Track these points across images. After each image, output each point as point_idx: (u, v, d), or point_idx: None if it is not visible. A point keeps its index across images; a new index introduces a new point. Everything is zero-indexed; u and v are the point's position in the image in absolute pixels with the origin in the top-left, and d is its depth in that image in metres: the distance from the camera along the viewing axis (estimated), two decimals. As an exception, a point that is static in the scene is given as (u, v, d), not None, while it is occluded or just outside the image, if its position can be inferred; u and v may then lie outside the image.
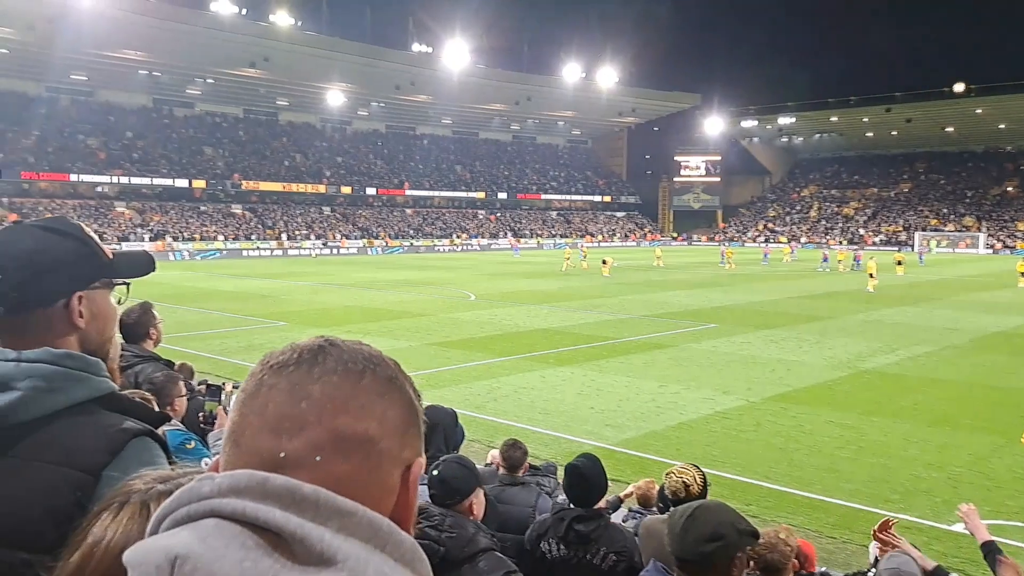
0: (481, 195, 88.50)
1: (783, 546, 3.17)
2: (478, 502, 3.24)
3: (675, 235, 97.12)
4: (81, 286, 1.50)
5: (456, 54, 74.52)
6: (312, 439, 0.70)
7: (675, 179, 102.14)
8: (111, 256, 1.55)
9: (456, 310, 25.14)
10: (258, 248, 61.94)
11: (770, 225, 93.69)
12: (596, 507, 3.86)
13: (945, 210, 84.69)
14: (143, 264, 1.61)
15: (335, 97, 78.22)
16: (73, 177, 61.34)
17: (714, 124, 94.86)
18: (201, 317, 22.45)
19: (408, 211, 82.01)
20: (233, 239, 63.17)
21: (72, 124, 66.02)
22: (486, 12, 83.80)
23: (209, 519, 0.64)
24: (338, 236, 69.61)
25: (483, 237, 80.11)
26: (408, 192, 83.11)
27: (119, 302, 1.64)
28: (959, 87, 76.25)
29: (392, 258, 61.10)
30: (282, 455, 0.70)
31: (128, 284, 1.64)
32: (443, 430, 4.36)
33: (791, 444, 10.57)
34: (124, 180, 63.93)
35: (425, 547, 2.90)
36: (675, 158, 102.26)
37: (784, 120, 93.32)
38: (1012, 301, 28.74)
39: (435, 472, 3.19)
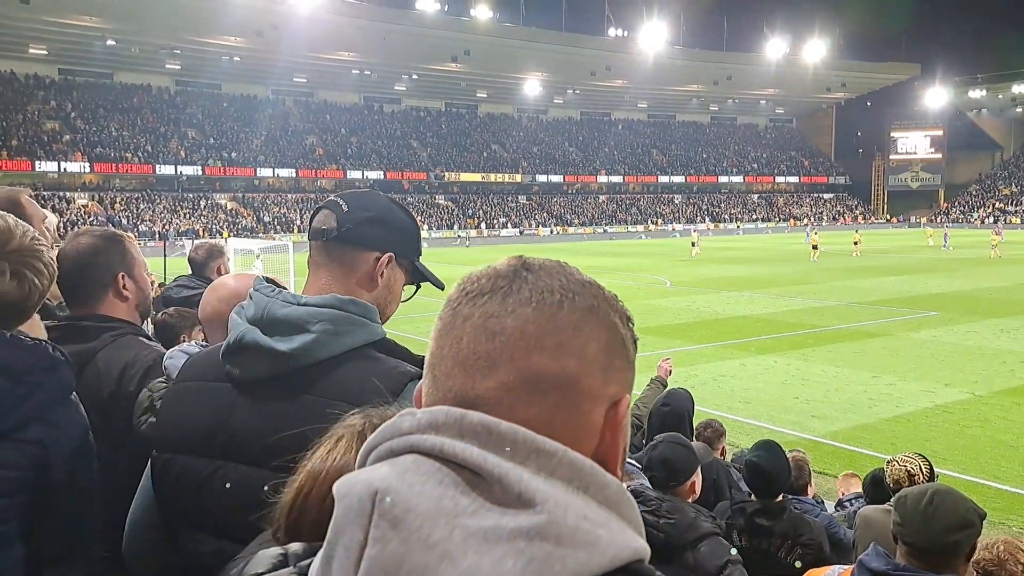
0: (678, 179, 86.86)
1: (1013, 564, 2.79)
2: (698, 482, 3.21)
3: (889, 217, 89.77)
4: (396, 250, 1.66)
5: (652, 36, 73.73)
6: (504, 380, 0.67)
7: (890, 157, 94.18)
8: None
9: (651, 296, 25.07)
10: (459, 236, 64.94)
11: (1001, 205, 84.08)
12: (778, 500, 3.72)
13: None
14: (439, 283, 1.73)
15: (532, 87, 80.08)
16: (295, 172, 67.59)
17: (936, 96, 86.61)
18: (411, 301, 24.03)
19: (602, 197, 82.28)
20: (437, 228, 66.73)
21: (295, 123, 72.81)
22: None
23: (409, 455, 0.63)
24: (533, 224, 71.35)
25: (679, 222, 78.73)
26: (602, 179, 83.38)
27: (403, 300, 1.77)
28: None
29: (585, 244, 61.68)
30: (474, 395, 0.67)
31: (419, 287, 1.79)
32: (690, 417, 4.39)
33: (1025, 442, 9.71)
34: (340, 175, 69.52)
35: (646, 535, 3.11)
36: (890, 134, 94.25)
37: (1019, 88, 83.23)
38: None
39: (655, 452, 3.17)
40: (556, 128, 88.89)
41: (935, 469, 4.42)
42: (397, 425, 0.66)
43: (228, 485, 1.45)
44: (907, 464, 4.19)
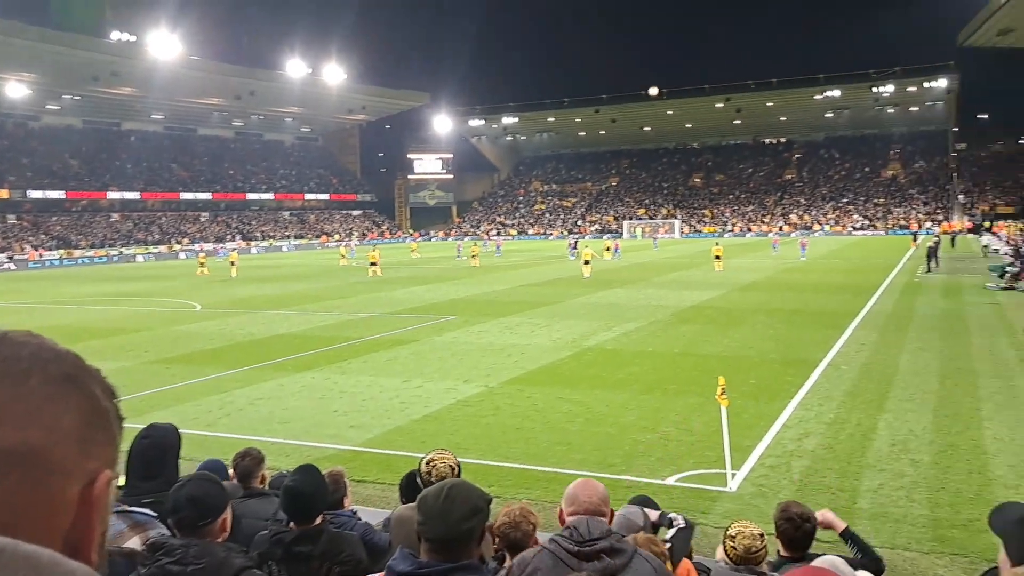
0: (204, 196, 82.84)
1: (526, 524, 3.31)
2: (228, 519, 3.06)
3: (412, 231, 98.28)
4: None
5: (164, 44, 68.52)
6: None
7: (410, 176, 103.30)
8: None
9: (180, 322, 23.30)
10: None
11: (500, 219, 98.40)
12: (317, 523, 3.71)
13: (647, 201, 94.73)
14: None
15: (16, 89, 68.45)
16: None
17: (443, 123, 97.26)
18: None
19: (115, 216, 74.39)
20: None
21: None
22: (196, 1, 78.09)
23: None
24: (27, 247, 61.14)
25: (207, 241, 75.05)
26: (113, 195, 75.44)
27: None
28: (653, 91, 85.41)
29: (98, 269, 55.01)
30: None
31: None
32: (175, 451, 3.98)
33: (527, 423, 11.19)
34: None
35: None
36: (408, 156, 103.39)
37: (507, 120, 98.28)
38: (704, 279, 32.87)
39: (183, 492, 2.92)
40: (52, 137, 77.38)
41: (462, 459, 4.69)
42: None
43: None
44: (436, 461, 4.40)
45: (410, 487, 5.35)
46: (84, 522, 0.64)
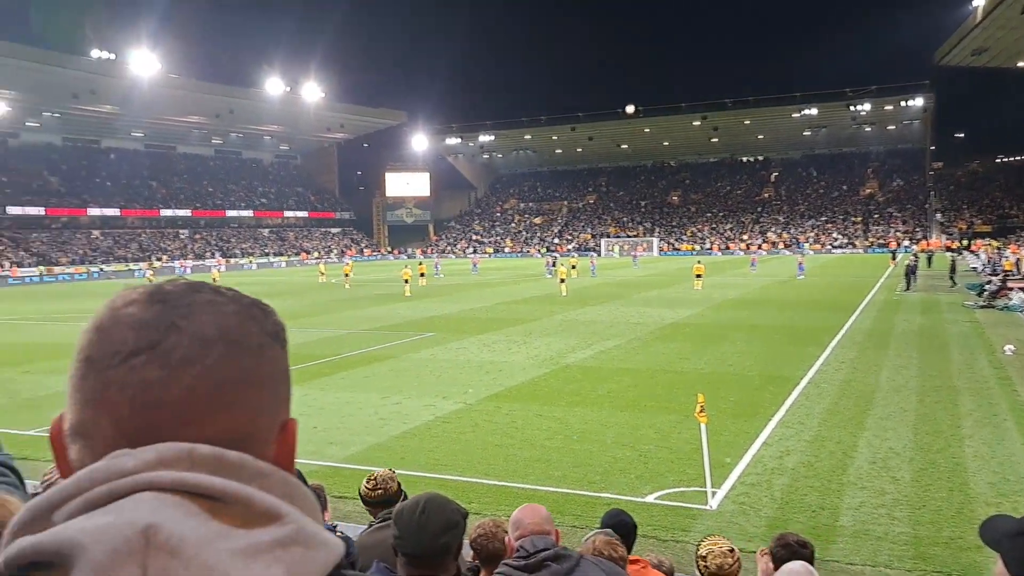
0: (183, 213, 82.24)
1: (502, 533, 3.28)
2: None
3: (391, 249, 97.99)
4: None
5: (144, 62, 68.13)
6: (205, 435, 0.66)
7: (387, 195, 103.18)
8: None
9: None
10: None
11: (477, 237, 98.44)
12: None
13: (625, 218, 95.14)
14: None
15: (-5, 106, 67.80)
16: None
17: (420, 141, 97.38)
18: None
19: (95, 233, 73.61)
20: None
21: None
22: (176, 19, 77.84)
23: (144, 492, 0.61)
24: (7, 264, 60.40)
25: (188, 258, 74.43)
26: (94, 211, 74.71)
27: None
28: (630, 109, 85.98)
29: (79, 285, 54.32)
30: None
31: None
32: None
33: (506, 440, 11.09)
34: None
35: None
36: (386, 174, 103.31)
37: (484, 138, 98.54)
38: (684, 297, 32.97)
39: None
40: (32, 154, 76.66)
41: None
42: (117, 467, 0.63)
43: None
44: (379, 482, 4.30)
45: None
46: (286, 457, 0.73)
